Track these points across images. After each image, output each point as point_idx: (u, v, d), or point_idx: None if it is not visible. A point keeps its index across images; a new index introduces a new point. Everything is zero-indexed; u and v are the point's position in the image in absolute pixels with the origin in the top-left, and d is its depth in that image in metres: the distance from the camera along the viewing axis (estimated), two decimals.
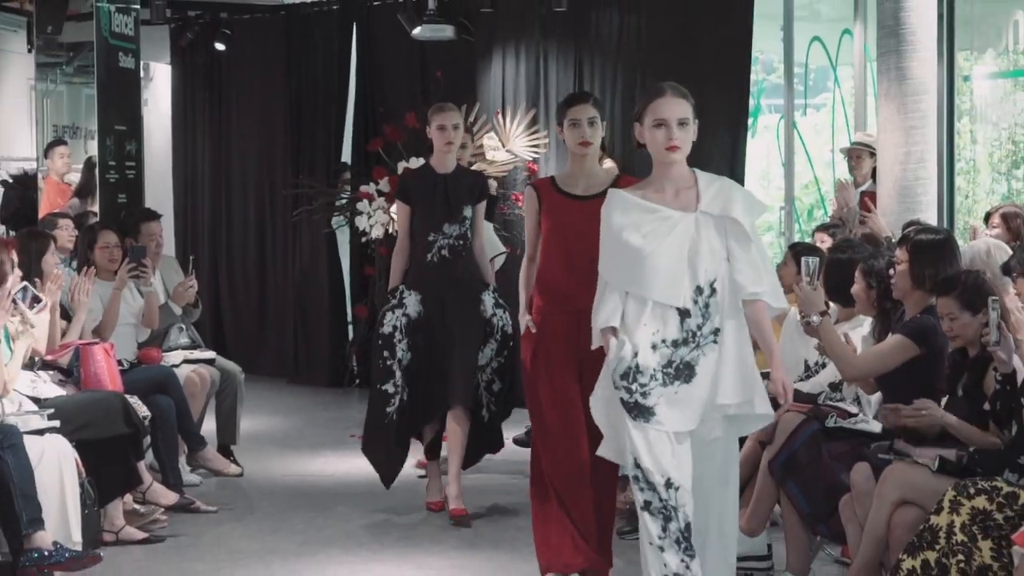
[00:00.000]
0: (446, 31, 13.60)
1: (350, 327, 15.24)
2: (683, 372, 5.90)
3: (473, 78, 14.06)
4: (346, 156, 14.97)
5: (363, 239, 13.19)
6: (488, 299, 9.16)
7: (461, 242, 9.08)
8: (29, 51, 14.26)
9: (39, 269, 8.74)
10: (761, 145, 14.64)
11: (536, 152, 13.44)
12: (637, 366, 5.87)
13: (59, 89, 14.32)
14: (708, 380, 5.92)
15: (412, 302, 9.06)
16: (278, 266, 15.48)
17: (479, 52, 14.07)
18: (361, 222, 12.62)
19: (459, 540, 8.67)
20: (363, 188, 13.00)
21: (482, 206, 9.33)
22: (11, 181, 13.01)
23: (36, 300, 7.89)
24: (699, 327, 5.90)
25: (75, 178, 13.86)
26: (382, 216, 12.36)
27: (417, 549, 8.56)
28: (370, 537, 8.78)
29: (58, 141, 13.47)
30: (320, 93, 15.24)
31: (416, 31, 13.63)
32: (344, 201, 14.04)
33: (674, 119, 5.91)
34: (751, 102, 13.27)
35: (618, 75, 13.32)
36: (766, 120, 15.15)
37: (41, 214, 12.64)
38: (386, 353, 9.04)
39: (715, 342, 5.93)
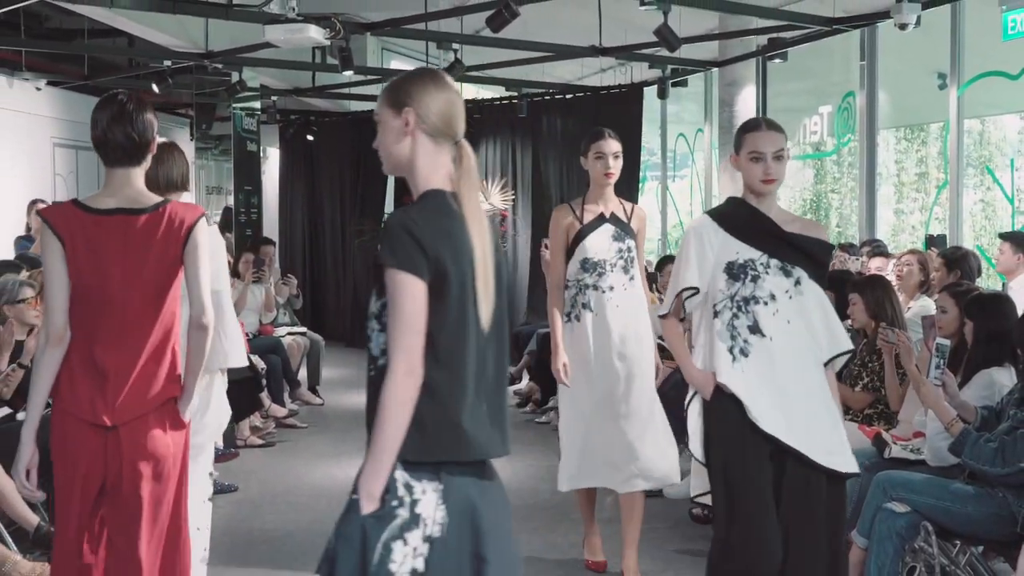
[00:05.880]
0: None
1: None
2: None
3: None
4: (388, 206, 15.05)
5: None
6: None
7: None
8: (191, 140, 14.35)
9: None
10: (647, 200, 14.78)
11: (506, 203, 13.57)
12: None
13: (209, 164, 14.38)
14: None
15: None
16: (347, 274, 15.42)
17: (471, 141, 14.10)
18: None
19: None
20: None
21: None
22: None
23: None
24: None
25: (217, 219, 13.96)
26: None
27: None
28: None
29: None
30: (372, 166, 15.24)
31: None
32: None
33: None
34: (640, 174, 13.29)
35: (560, 156, 13.46)
36: (650, 185, 15.28)
37: None
38: None
39: None
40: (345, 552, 2.47)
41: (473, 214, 2.60)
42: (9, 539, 5.10)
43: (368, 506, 2.47)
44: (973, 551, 4.62)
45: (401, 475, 2.49)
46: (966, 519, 4.36)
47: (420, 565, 2.49)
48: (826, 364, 3.84)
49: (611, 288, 5.07)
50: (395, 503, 2.48)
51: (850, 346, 3.88)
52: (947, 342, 4.60)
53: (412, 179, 2.68)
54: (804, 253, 3.82)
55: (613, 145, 5.17)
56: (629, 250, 5.16)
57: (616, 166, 5.15)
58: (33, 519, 5.11)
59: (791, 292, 3.78)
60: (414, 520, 2.48)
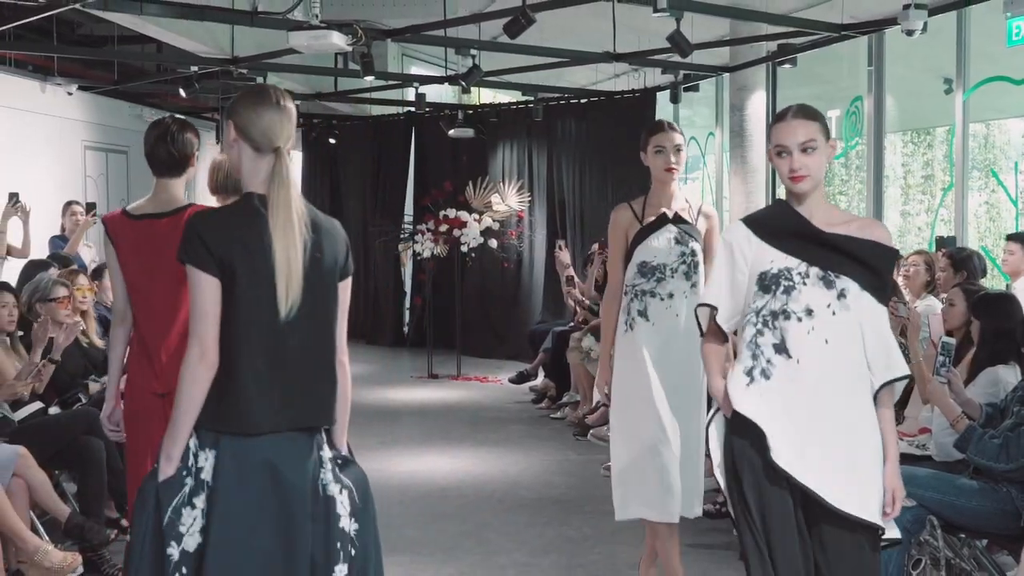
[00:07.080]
0: (469, 132, 13.70)
1: (407, 311, 15.29)
2: None
3: (485, 160, 14.13)
4: (408, 207, 15.09)
5: (417, 257, 13.28)
6: None
7: None
8: (216, 143, 14.38)
9: None
10: None
11: (523, 204, 13.55)
12: None
13: None
14: None
15: None
16: (368, 273, 15.39)
17: (489, 144, 14.17)
18: (417, 247, 12.66)
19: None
20: (418, 226, 13.05)
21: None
22: None
23: None
24: None
25: None
26: (429, 244, 12.33)
27: (471, 431, 8.44)
28: (424, 434, 8.76)
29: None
30: (393, 168, 15.31)
31: (451, 132, 13.73)
32: (407, 234, 14.13)
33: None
34: None
35: (574, 159, 13.45)
36: None
37: None
38: None
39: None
40: (142, 513, 2.86)
41: (277, 217, 2.83)
42: (42, 529, 5.14)
43: (166, 467, 2.84)
44: (977, 545, 4.63)
45: (193, 443, 2.86)
46: (971, 514, 4.36)
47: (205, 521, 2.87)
48: (880, 389, 3.17)
49: (670, 295, 4.49)
50: (184, 472, 2.85)
51: (907, 371, 3.21)
52: (952, 340, 4.62)
53: (242, 181, 2.96)
54: (853, 258, 3.13)
55: (675, 137, 4.51)
56: (693, 254, 4.55)
57: (679, 160, 4.51)
58: (65, 510, 5.13)
59: (834, 307, 3.11)
60: (200, 486, 2.84)
